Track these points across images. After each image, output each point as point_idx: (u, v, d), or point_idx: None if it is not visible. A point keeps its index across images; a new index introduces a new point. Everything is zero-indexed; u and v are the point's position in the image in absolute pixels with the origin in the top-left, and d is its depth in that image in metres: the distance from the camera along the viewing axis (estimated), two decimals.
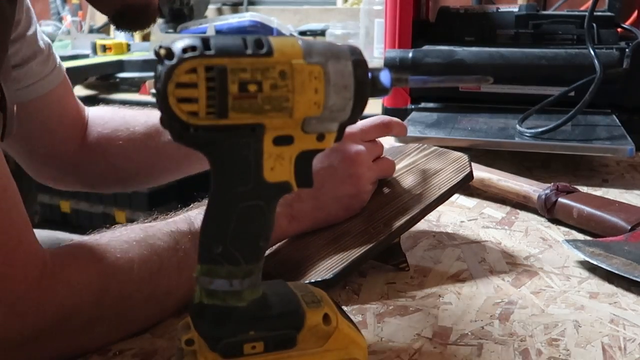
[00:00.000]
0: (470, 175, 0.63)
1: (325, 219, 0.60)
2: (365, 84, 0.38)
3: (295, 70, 0.34)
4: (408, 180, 0.64)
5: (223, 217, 0.36)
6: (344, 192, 0.60)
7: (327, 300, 0.41)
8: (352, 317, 0.51)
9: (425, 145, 0.70)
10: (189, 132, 0.34)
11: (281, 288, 0.41)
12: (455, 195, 0.81)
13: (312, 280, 0.54)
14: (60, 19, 2.34)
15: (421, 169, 0.65)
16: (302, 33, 1.97)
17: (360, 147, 0.60)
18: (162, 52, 0.33)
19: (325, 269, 0.55)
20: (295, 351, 0.38)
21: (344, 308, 0.53)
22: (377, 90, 0.39)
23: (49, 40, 0.73)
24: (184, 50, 0.33)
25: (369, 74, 0.38)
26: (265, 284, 0.39)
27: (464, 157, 0.65)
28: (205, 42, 0.33)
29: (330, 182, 0.59)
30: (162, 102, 0.33)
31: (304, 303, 0.39)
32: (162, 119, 0.34)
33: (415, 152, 0.69)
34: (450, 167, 0.64)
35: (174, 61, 0.33)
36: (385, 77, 0.39)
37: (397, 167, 0.67)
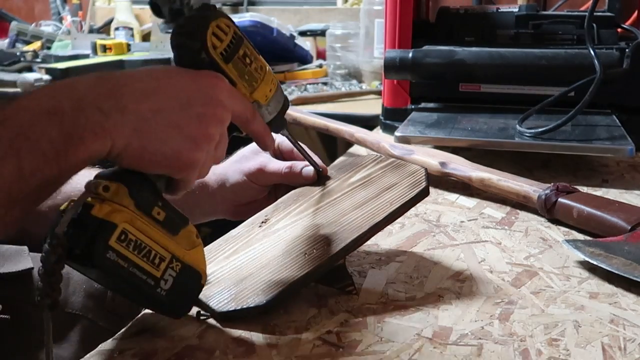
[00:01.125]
0: (425, 191, 0.59)
1: (143, 152, 0.44)
2: (284, 112, 0.59)
3: (268, 72, 0.55)
4: (359, 196, 0.61)
5: None
6: (187, 126, 0.46)
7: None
8: (352, 317, 0.51)
9: (383, 157, 0.67)
10: (201, 56, 0.49)
11: None
12: (455, 195, 0.81)
13: (245, 307, 0.51)
14: (61, 19, 2.34)
15: (374, 184, 0.62)
16: (302, 33, 1.96)
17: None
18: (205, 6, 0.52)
19: (261, 293, 0.51)
20: (175, 238, 0.47)
21: (344, 308, 0.53)
22: (283, 124, 0.60)
23: None
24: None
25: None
26: None
27: (421, 171, 0.61)
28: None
29: (176, 109, 0.46)
30: (201, 25, 0.49)
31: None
32: (183, 43, 0.50)
33: (372, 164, 0.66)
34: (405, 181, 0.60)
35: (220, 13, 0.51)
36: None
37: (350, 180, 0.64)
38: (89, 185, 0.43)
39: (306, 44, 1.89)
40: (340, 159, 0.67)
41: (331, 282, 0.56)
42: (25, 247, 0.63)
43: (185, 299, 0.49)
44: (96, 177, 0.45)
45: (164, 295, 0.46)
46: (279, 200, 0.67)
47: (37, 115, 0.40)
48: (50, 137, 0.40)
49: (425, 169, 0.62)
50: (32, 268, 0.62)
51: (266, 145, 0.57)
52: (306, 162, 0.69)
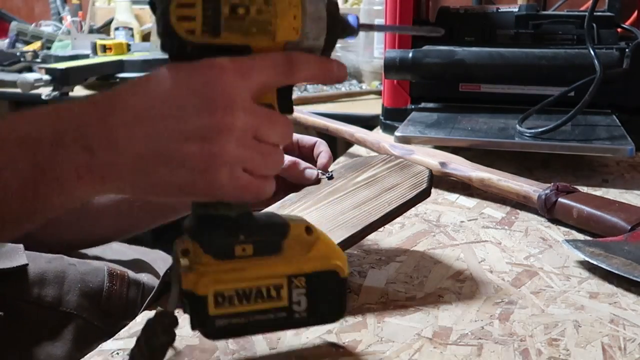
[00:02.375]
0: (426, 192, 0.59)
1: (151, 189, 0.40)
2: (336, 18, 0.43)
3: (278, 1, 0.40)
4: (361, 195, 0.61)
5: None
6: (188, 154, 0.38)
7: (308, 221, 0.44)
8: (352, 317, 0.51)
9: (392, 157, 0.67)
10: (187, 50, 0.39)
11: (267, 213, 0.46)
12: (455, 195, 0.81)
13: None
14: (61, 19, 2.34)
15: (378, 183, 0.62)
16: None
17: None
18: None
19: None
20: (281, 256, 0.42)
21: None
22: (347, 27, 0.45)
23: None
24: None
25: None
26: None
27: (425, 172, 0.61)
28: None
29: (172, 132, 0.38)
30: (163, 22, 0.38)
31: (287, 218, 0.44)
32: (162, 44, 0.39)
33: (380, 164, 0.66)
34: (407, 182, 0.61)
35: None
36: (353, 19, 0.45)
37: (356, 180, 0.65)
38: (173, 250, 0.41)
39: None
40: (341, 158, 0.66)
41: None
42: (21, 245, 0.63)
43: (333, 304, 0.43)
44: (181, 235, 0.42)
45: (306, 317, 0.42)
46: (287, 197, 0.68)
47: (5, 141, 0.37)
48: (16, 168, 0.36)
49: (430, 170, 0.62)
50: (27, 264, 0.62)
51: (335, 74, 0.45)
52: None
